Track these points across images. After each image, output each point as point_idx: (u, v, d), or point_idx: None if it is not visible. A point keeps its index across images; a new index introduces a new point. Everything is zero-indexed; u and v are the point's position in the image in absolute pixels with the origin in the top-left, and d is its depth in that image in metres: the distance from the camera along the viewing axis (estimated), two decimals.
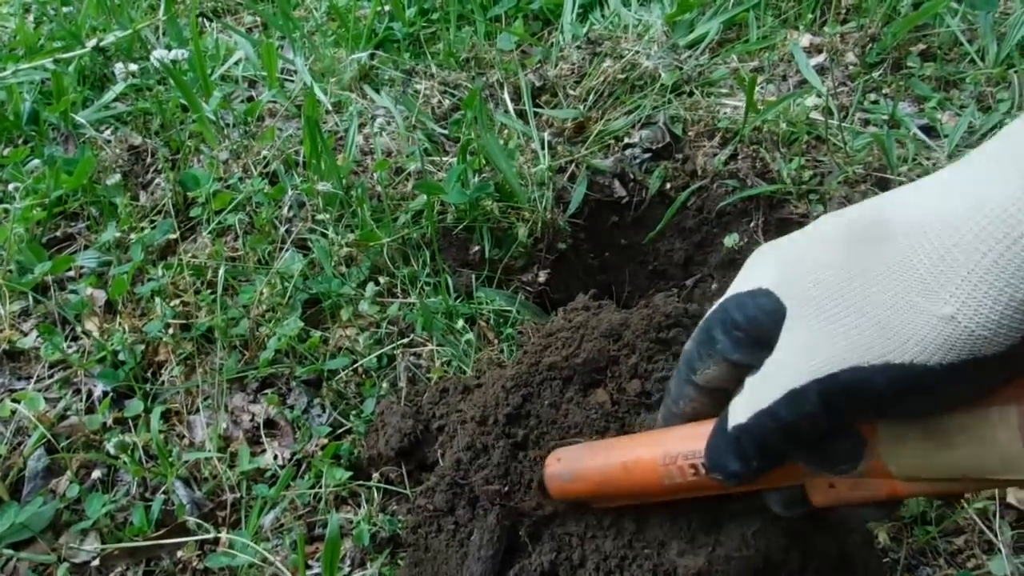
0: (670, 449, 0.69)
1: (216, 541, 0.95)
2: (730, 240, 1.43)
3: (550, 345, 0.90)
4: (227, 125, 1.50)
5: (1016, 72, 1.49)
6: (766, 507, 0.68)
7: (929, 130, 1.45)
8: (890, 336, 0.50)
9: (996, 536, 0.94)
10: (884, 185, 1.35)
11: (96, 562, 0.94)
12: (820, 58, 1.61)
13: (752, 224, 1.43)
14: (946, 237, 0.48)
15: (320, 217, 1.27)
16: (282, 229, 1.28)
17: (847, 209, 0.57)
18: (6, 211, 1.32)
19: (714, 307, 0.64)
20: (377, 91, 1.59)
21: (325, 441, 1.05)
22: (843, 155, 1.39)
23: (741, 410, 0.60)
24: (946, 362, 0.48)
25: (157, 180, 1.41)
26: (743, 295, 0.61)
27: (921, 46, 1.59)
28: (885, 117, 1.44)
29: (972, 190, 0.48)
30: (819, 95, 1.48)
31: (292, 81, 1.64)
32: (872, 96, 1.52)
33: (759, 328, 0.60)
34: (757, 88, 1.49)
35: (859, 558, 0.81)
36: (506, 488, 0.83)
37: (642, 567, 0.75)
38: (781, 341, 0.57)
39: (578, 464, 0.77)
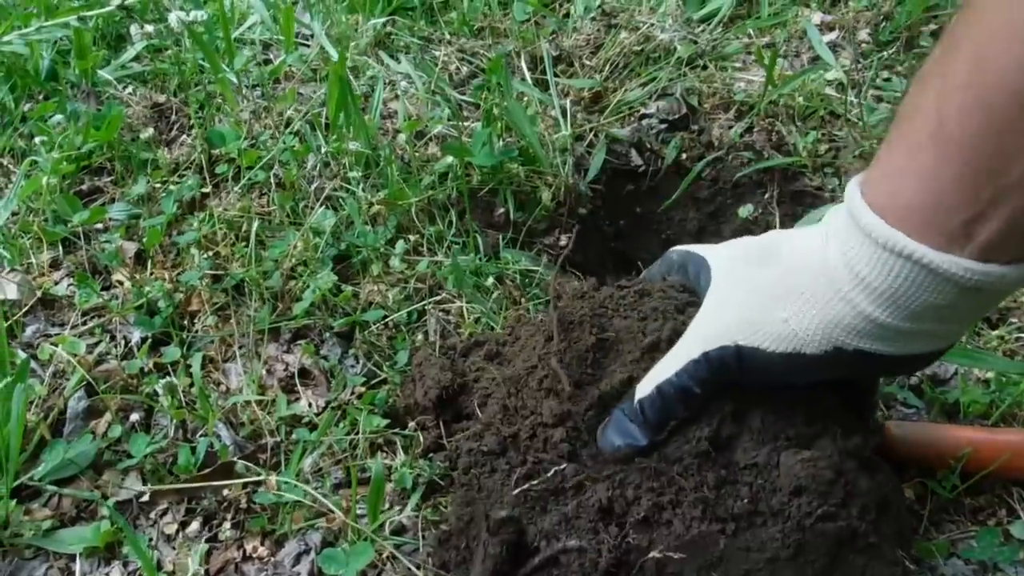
0: None
1: (260, 483, 0.97)
2: (744, 211, 1.46)
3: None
4: (246, 87, 1.50)
5: None
6: (811, 445, 0.81)
7: None
8: (751, 325, 0.74)
9: (1014, 500, 0.96)
10: None
11: (146, 497, 0.95)
12: (832, 35, 1.63)
13: (767, 196, 1.46)
14: (797, 270, 0.72)
15: (351, 175, 1.28)
16: (311, 187, 1.29)
17: (767, 235, 0.83)
18: (33, 163, 1.33)
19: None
20: (392, 57, 1.60)
21: (362, 390, 1.07)
22: (859, 130, 1.41)
23: (645, 386, 0.82)
24: (780, 351, 0.72)
25: (182, 138, 1.42)
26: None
27: (933, 26, 1.62)
28: (898, 94, 1.47)
29: (815, 244, 0.71)
30: (838, 69, 1.51)
31: (308, 46, 1.65)
32: (885, 74, 1.55)
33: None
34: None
35: (894, 505, 0.84)
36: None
37: (694, 505, 0.78)
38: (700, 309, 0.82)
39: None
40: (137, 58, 1.63)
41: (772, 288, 0.73)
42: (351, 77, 1.52)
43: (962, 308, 0.65)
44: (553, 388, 0.88)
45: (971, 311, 0.67)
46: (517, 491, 0.83)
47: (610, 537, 0.78)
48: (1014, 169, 0.56)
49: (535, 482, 0.83)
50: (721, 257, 0.85)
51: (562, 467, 0.83)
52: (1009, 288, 0.63)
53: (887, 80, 1.52)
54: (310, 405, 1.06)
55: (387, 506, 0.95)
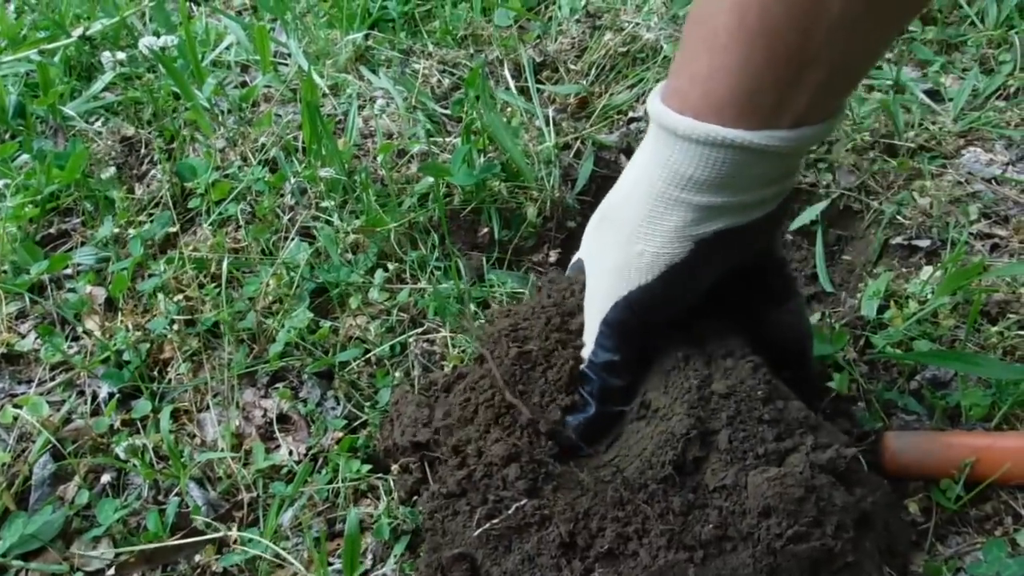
0: None
1: (231, 541, 0.92)
2: None
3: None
4: (221, 112, 1.46)
5: (1017, 33, 1.47)
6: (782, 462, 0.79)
7: (934, 94, 1.43)
8: (620, 274, 0.78)
9: (1020, 506, 0.92)
10: (892, 152, 1.33)
11: (111, 571, 0.91)
12: None
13: None
14: (630, 208, 0.77)
15: (324, 204, 1.24)
16: (285, 218, 1.25)
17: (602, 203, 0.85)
18: None
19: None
20: (374, 72, 1.55)
21: (340, 435, 1.02)
22: (850, 122, 1.36)
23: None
24: (654, 277, 0.77)
25: (153, 172, 1.37)
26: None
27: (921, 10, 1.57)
28: (890, 82, 1.42)
29: (633, 177, 0.78)
30: None
31: (286, 64, 1.60)
32: None
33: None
34: None
35: (880, 518, 0.81)
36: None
37: (660, 533, 0.75)
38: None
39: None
40: (110, 87, 1.58)
41: (618, 236, 0.78)
42: (330, 96, 1.47)
43: (787, 167, 0.73)
44: (491, 421, 0.86)
45: (796, 165, 0.77)
46: (479, 531, 0.80)
47: (572, 573, 0.75)
48: (812, 47, 0.63)
49: (496, 521, 0.80)
50: (583, 245, 0.91)
51: (522, 503, 0.80)
52: (823, 138, 0.80)
53: (878, 68, 1.47)
54: (290, 453, 1.02)
55: (370, 559, 0.91)
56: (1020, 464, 0.90)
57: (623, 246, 0.78)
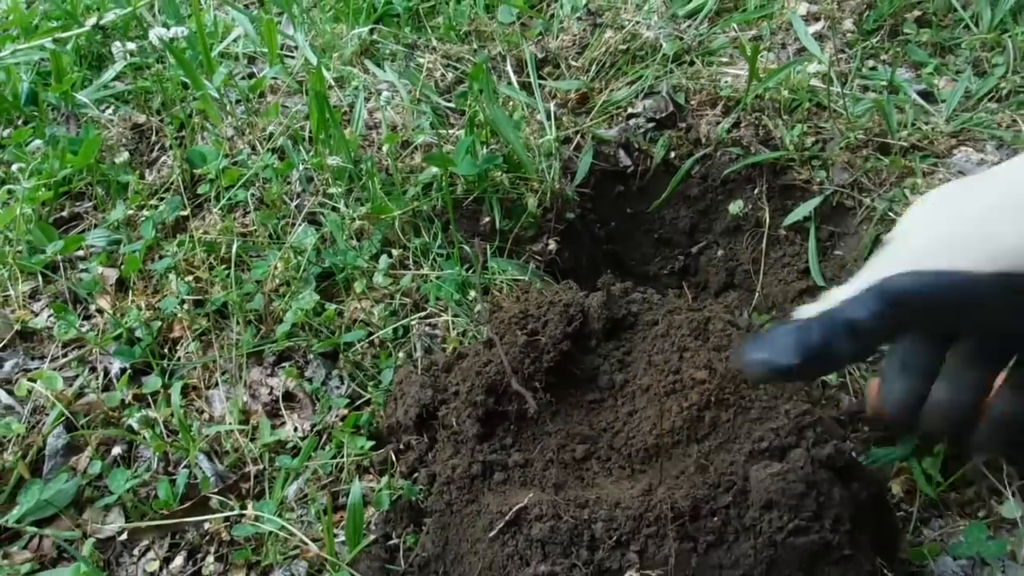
0: None
1: (241, 515, 0.95)
2: (735, 207, 1.44)
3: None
4: (230, 102, 1.49)
5: (1010, 36, 1.50)
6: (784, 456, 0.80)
7: (927, 95, 1.45)
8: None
9: (1006, 486, 0.94)
10: (885, 150, 1.36)
11: (123, 536, 0.94)
12: (818, 26, 1.61)
13: (756, 191, 1.44)
14: None
15: (331, 191, 1.27)
16: (292, 204, 1.28)
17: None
18: (10, 192, 1.31)
19: None
20: (379, 65, 1.59)
21: (345, 412, 1.05)
22: (844, 121, 1.39)
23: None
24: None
25: (163, 158, 1.41)
26: None
27: (916, 12, 1.60)
28: (884, 83, 1.45)
29: None
30: (820, 62, 1.48)
31: (293, 57, 1.63)
32: (870, 63, 1.52)
33: None
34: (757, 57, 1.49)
35: (873, 511, 0.83)
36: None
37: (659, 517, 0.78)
38: None
39: None
40: (120, 77, 1.61)
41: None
42: (336, 88, 1.50)
43: None
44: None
45: None
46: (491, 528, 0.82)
47: (581, 563, 0.77)
48: None
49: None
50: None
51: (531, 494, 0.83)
52: None
53: (872, 69, 1.50)
54: (296, 429, 1.05)
55: (374, 530, 0.94)
56: None
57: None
